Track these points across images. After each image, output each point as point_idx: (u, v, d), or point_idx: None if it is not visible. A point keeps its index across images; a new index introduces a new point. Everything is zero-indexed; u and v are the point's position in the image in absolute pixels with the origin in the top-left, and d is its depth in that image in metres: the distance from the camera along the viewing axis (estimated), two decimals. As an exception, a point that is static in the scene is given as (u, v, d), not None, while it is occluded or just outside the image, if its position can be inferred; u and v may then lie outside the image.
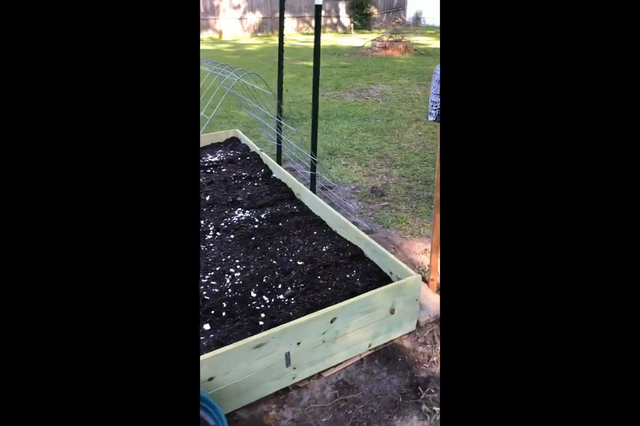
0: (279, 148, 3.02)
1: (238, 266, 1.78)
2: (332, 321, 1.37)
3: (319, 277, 1.70)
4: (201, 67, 2.26)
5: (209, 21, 14.25)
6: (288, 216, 2.18)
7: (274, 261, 1.81)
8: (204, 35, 14.27)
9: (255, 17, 14.76)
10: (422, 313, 1.67)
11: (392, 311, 1.51)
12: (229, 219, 2.15)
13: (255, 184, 2.57)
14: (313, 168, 2.42)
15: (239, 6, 14.35)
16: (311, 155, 2.37)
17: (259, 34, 14.80)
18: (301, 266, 1.78)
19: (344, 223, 1.94)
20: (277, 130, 2.71)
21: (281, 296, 1.60)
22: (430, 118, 1.57)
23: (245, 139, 3.19)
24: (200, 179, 2.60)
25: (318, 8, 1.69)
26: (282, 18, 2.18)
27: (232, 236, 2.00)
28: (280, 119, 2.77)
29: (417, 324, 1.64)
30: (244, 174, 2.67)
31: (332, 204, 2.56)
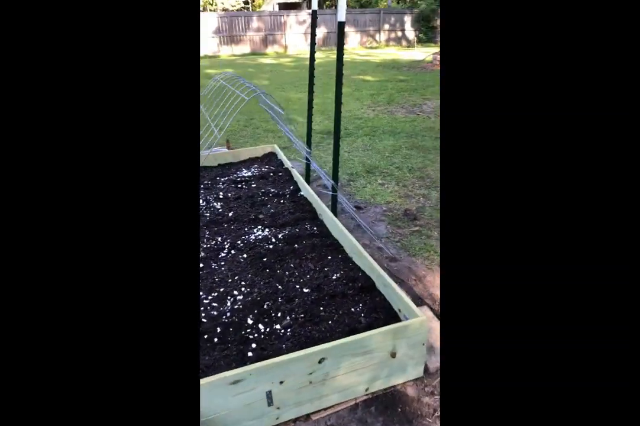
0: (308, 166, 2.97)
1: (243, 289, 1.72)
2: (320, 362, 1.26)
3: (321, 308, 1.59)
4: (220, 82, 2.28)
5: (275, 36, 14.78)
6: (306, 237, 2.10)
7: (279, 286, 1.73)
8: (269, 49, 14.82)
9: (319, 32, 15.07)
10: (432, 358, 1.50)
11: (393, 355, 1.37)
12: (246, 237, 2.12)
13: (282, 201, 2.53)
14: (334, 189, 2.33)
15: (304, 21, 14.74)
16: (329, 176, 2.28)
17: (323, 48, 15.07)
18: (306, 293, 1.69)
19: (359, 251, 1.82)
20: (306, 148, 2.66)
21: (278, 326, 1.52)
22: None
23: (280, 155, 3.18)
24: (229, 195, 2.61)
25: (341, 25, 1.62)
26: (313, 35, 2.13)
27: (244, 256, 1.96)
28: (309, 137, 2.72)
29: (426, 370, 1.48)
30: (272, 190, 2.65)
31: (357, 227, 2.45)
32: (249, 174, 2.95)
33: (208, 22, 13.90)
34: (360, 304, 1.61)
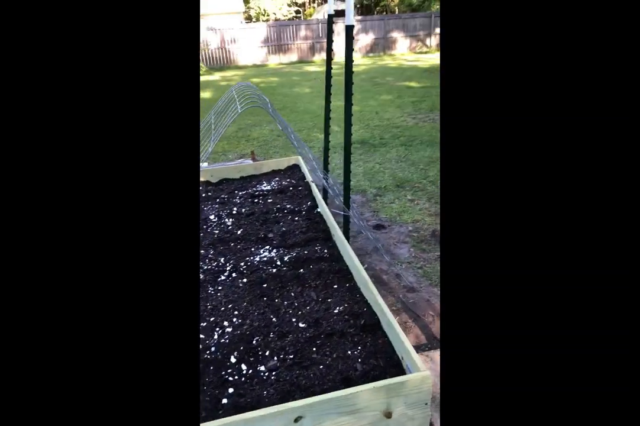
0: (326, 181, 2.80)
1: (234, 319, 1.58)
2: (296, 421, 1.08)
3: (315, 349, 1.41)
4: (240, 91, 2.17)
5: (322, 44, 14.81)
6: (314, 261, 1.93)
7: (274, 319, 1.57)
8: (316, 57, 14.88)
9: (367, 38, 14.93)
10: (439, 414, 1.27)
11: (388, 415, 1.16)
12: (251, 258, 1.99)
13: (296, 218, 2.38)
14: (346, 208, 2.14)
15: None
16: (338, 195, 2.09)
17: (370, 55, 14.91)
18: (302, 329, 1.51)
19: (366, 281, 1.62)
20: (323, 163, 2.50)
21: (262, 368, 1.35)
22: None
23: (303, 168, 3.04)
24: (243, 210, 2.50)
25: (349, 29, 1.45)
26: (329, 41, 1.97)
27: (245, 280, 1.82)
28: (327, 151, 2.55)
29: (432, 432, 1.25)
30: (288, 206, 2.50)
31: (377, 249, 2.24)
32: (268, 188, 2.83)
33: (257, 33, 14.20)
34: (359, 347, 1.41)
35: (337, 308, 1.61)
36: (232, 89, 2.41)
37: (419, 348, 1.56)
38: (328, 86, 2.15)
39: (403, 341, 1.29)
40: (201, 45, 13.79)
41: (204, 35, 13.85)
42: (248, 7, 22.10)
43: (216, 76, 11.83)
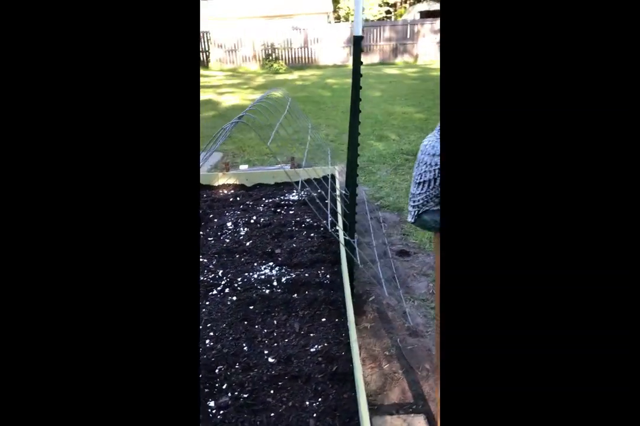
0: (343, 199, 2.62)
1: (207, 342, 1.50)
2: (214, 480, 0.97)
3: (273, 391, 1.28)
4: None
5: (406, 46, 14.40)
6: (312, 286, 1.79)
7: (245, 347, 1.47)
8: (398, 59, 14.49)
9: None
10: None
11: None
12: (250, 274, 1.90)
13: (311, 235, 2.25)
14: (351, 233, 1.95)
15: (438, 30, 14.05)
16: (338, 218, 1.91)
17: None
18: (269, 365, 1.39)
19: (350, 321, 1.45)
20: (346, 178, 2.33)
21: (212, 404, 1.25)
22: (409, 219, 1.00)
23: (337, 179, 2.90)
24: (261, 219, 2.43)
25: (357, 40, 1.29)
26: (357, 63, 1.79)
27: (234, 298, 1.74)
28: (351, 164, 2.37)
29: None
30: (307, 220, 2.38)
31: (392, 279, 2.04)
32: (296, 197, 2.73)
33: (341, 33, 14.18)
34: (320, 399, 1.25)
35: (316, 346, 1.46)
36: (261, 98, 2.34)
37: (400, 408, 1.36)
38: (356, 104, 1.99)
39: (361, 402, 1.11)
40: (283, 44, 14.11)
41: (289, 34, 14.13)
42: (338, 7, 22.19)
43: (295, 75, 12.02)
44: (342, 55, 14.39)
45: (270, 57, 14.03)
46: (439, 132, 0.94)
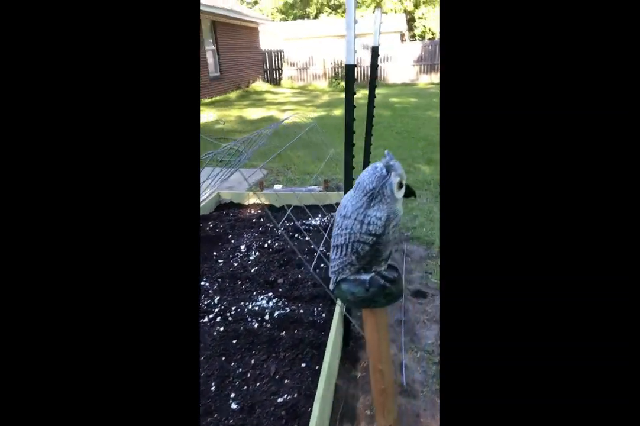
0: None
1: (178, 375, 1.44)
2: None
3: (223, 444, 1.18)
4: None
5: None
6: (304, 325, 1.67)
7: (213, 387, 1.38)
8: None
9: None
10: None
11: None
12: (245, 303, 1.83)
13: (321, 265, 2.13)
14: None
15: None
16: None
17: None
18: (230, 412, 1.29)
19: (331, 372, 1.31)
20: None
21: (158, 449, 1.18)
22: (330, 286, 0.86)
23: (365, 206, 2.75)
24: (275, 244, 2.37)
25: (349, 69, 1.18)
26: (373, 78, 1.68)
27: (221, 329, 1.67)
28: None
29: None
30: (322, 248, 2.27)
31: (398, 323, 1.85)
32: (318, 223, 2.64)
33: (412, 51, 14.03)
34: (268, 463, 1.12)
35: (285, 396, 1.34)
36: (286, 118, 2.29)
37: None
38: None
39: (299, 483, 0.97)
40: (355, 62, 14.24)
41: (360, 53, 14.26)
42: (414, 26, 22.08)
43: (359, 94, 12.04)
44: (412, 74, 14.20)
45: (339, 76, 14.23)
46: (356, 190, 0.81)
